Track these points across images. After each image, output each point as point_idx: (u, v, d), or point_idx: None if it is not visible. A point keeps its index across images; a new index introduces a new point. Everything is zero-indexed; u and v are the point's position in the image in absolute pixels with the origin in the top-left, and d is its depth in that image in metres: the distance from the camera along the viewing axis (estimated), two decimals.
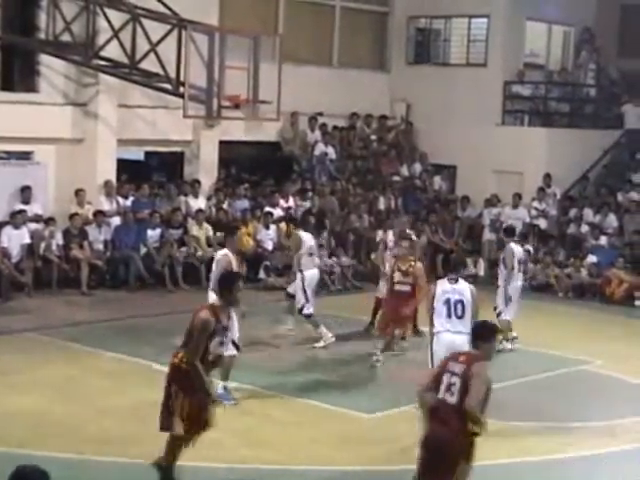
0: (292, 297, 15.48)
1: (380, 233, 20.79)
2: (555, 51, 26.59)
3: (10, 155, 19.07)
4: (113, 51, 18.42)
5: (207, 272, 18.51)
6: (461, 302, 11.08)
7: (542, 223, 22.98)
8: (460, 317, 11.05)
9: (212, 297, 12.53)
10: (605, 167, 25.10)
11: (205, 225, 20.06)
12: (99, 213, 19.13)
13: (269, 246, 20.33)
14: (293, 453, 10.54)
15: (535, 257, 21.46)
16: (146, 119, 20.21)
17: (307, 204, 21.65)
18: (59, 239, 18.44)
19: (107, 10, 18.21)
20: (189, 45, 17.16)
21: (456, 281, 11.28)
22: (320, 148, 23.55)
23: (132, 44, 17.90)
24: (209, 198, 21.11)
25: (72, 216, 18.71)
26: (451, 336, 11.02)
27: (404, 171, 24.86)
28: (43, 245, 18.25)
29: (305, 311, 15.19)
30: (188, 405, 8.91)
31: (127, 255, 18.93)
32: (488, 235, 22.89)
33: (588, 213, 22.75)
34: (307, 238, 15.44)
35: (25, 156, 19.11)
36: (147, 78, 18.25)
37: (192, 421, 8.99)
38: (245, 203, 21.22)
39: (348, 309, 17.77)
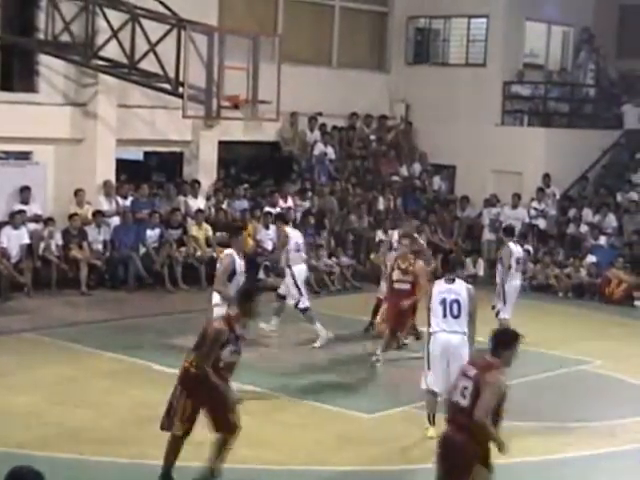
0: (282, 298, 15.47)
1: (380, 233, 20.80)
2: (554, 51, 26.58)
3: (9, 155, 19.05)
4: (112, 51, 18.41)
5: (207, 272, 18.60)
6: (457, 302, 11.06)
7: (541, 223, 22.98)
8: (456, 317, 11.03)
9: (216, 297, 12.57)
10: (604, 167, 25.09)
11: (204, 225, 20.04)
12: (98, 213, 19.12)
13: (269, 246, 20.30)
14: (293, 453, 10.53)
15: (535, 257, 21.49)
16: (145, 119, 20.21)
17: (306, 204, 21.66)
18: (58, 239, 18.43)
19: (106, 10, 18.19)
20: (188, 45, 17.15)
21: (453, 281, 11.27)
22: (319, 148, 23.52)
23: (131, 44, 17.88)
24: (208, 198, 21.08)
25: (71, 216, 18.71)
26: (447, 336, 11.00)
27: (403, 171, 24.84)
28: (42, 245, 18.24)
29: (301, 305, 15.15)
30: (190, 407, 8.98)
31: (126, 255, 18.91)
32: (487, 235, 22.89)
33: (587, 213, 22.75)
34: (294, 235, 15.48)
35: (24, 156, 19.09)
36: (146, 78, 18.24)
37: (191, 423, 9.04)
38: (244, 203, 21.20)
39: (348, 309, 17.75)
